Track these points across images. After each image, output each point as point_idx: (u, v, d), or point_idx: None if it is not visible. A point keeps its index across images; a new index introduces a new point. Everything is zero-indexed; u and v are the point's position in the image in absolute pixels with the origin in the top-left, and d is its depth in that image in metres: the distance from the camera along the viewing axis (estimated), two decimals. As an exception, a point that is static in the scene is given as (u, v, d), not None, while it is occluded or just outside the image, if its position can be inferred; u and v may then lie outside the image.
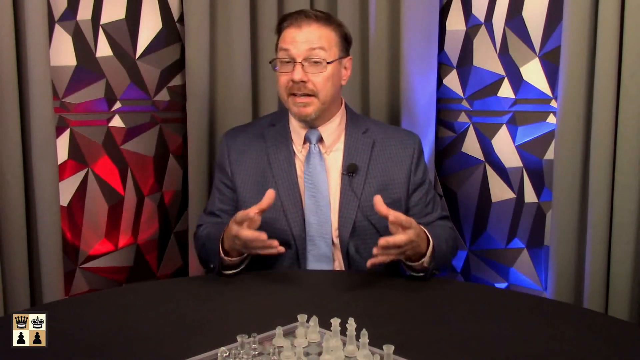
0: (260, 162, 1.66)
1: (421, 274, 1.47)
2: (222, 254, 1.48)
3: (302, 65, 1.58)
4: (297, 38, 1.59)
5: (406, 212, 1.68)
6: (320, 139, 1.67)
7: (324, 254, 1.60)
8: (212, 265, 1.52)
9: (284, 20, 1.65)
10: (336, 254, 1.62)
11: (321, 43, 1.60)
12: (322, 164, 1.65)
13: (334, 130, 1.68)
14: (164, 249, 2.09)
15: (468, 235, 2.12)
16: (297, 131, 1.69)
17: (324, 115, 1.65)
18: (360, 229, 1.60)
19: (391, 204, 1.63)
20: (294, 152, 1.67)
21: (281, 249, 1.38)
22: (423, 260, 1.45)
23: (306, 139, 1.67)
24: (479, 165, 2.07)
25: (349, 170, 1.62)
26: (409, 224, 1.39)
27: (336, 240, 1.61)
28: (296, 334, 1.04)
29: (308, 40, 1.59)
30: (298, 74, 1.57)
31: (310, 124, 1.66)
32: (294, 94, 1.60)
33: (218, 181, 1.72)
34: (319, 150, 1.66)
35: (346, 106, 1.74)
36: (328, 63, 1.60)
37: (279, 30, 1.66)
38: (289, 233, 1.60)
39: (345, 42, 1.68)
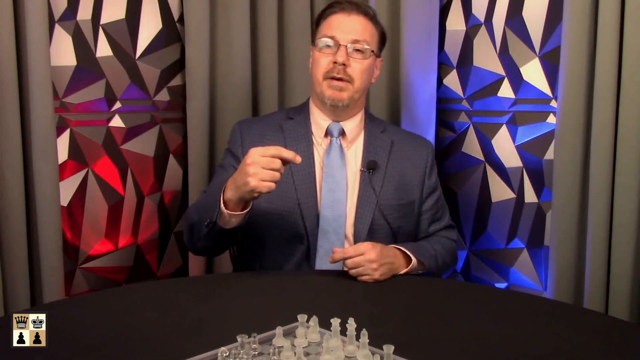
0: None
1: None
2: (222, 206, 1.40)
3: (346, 50, 1.59)
4: (345, 25, 1.61)
5: (418, 216, 1.70)
6: (342, 133, 1.67)
7: (334, 247, 1.58)
8: (207, 221, 1.44)
9: (332, 7, 1.66)
10: (347, 247, 1.59)
11: (366, 35, 1.62)
12: (343, 158, 1.64)
13: (356, 125, 1.69)
14: (164, 249, 2.09)
15: (468, 235, 2.12)
16: (318, 123, 1.68)
17: (350, 109, 1.66)
18: (376, 226, 1.61)
19: (406, 205, 1.66)
20: (314, 143, 1.66)
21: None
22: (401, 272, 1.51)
23: (328, 132, 1.67)
24: (479, 165, 2.07)
25: (369, 167, 1.62)
26: (361, 251, 1.42)
27: (350, 236, 1.61)
28: (296, 334, 1.04)
29: (354, 29, 1.61)
30: (342, 57, 1.58)
31: (336, 116, 1.66)
32: (331, 78, 1.60)
33: (226, 163, 1.67)
34: (340, 144, 1.66)
35: (365, 107, 1.76)
36: (371, 52, 1.62)
37: (323, 17, 1.67)
38: (302, 227, 1.59)
39: (382, 43, 1.71)
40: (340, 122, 1.67)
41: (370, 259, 1.40)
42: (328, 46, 1.61)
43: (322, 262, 1.59)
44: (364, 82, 1.64)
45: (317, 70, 1.63)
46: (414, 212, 1.69)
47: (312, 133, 1.67)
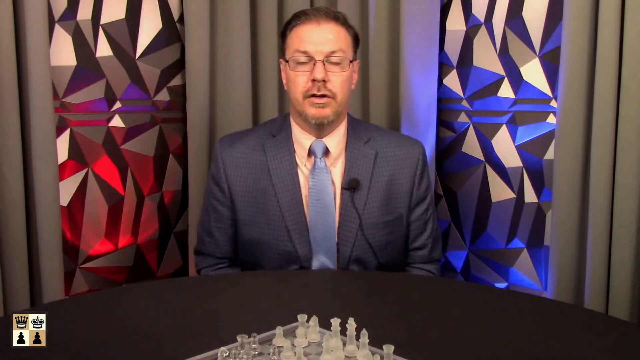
0: (260, 177, 1.59)
1: None
2: None
3: (323, 64, 1.51)
4: (316, 36, 1.52)
5: (407, 227, 1.65)
6: (326, 151, 1.60)
7: (326, 266, 1.59)
8: None
9: (298, 17, 1.57)
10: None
11: (341, 44, 1.54)
12: (329, 179, 1.58)
13: (339, 141, 1.61)
14: (164, 249, 2.09)
15: (468, 235, 2.12)
16: (300, 142, 1.61)
17: (333, 123, 1.59)
18: (358, 249, 1.57)
19: (393, 221, 1.60)
20: (297, 164, 1.60)
21: None
22: None
23: (311, 152, 1.60)
24: (479, 165, 2.07)
25: (350, 186, 1.55)
26: None
27: (336, 257, 1.59)
28: (296, 334, 1.04)
29: (327, 40, 1.52)
30: (320, 73, 1.50)
31: (318, 132, 1.59)
32: (312, 95, 1.52)
33: (212, 199, 1.65)
34: (325, 164, 1.59)
35: (348, 114, 1.69)
36: (350, 62, 1.56)
37: (290, 29, 1.58)
38: (294, 252, 1.57)
39: (356, 45, 1.63)
40: (323, 139, 1.59)
41: None
42: (302, 62, 1.53)
43: None
44: (346, 94, 1.57)
45: (296, 90, 1.55)
46: (402, 225, 1.63)
47: (294, 152, 1.60)
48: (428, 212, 1.69)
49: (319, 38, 1.52)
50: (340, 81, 1.53)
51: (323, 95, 1.52)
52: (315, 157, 1.59)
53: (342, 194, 1.57)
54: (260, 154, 1.61)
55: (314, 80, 1.51)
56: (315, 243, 1.57)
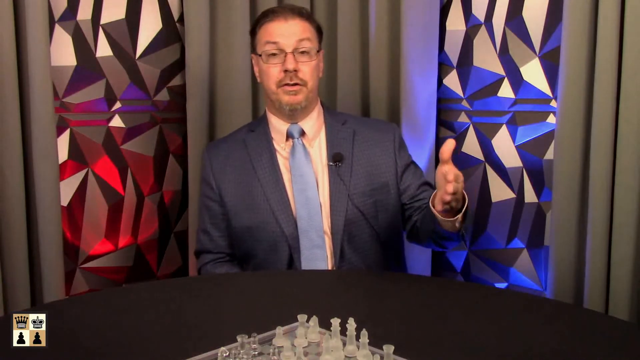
0: (244, 168, 1.70)
1: (449, 236, 1.51)
2: None
3: (293, 55, 1.64)
4: (285, 30, 1.66)
5: (398, 195, 1.72)
6: (302, 133, 1.71)
7: (316, 244, 1.63)
8: None
9: (266, 16, 1.70)
10: (327, 242, 1.64)
11: (306, 35, 1.68)
12: (307, 156, 1.69)
13: (314, 123, 1.73)
14: (164, 249, 2.09)
15: (468, 236, 2.12)
16: (277, 129, 1.72)
17: (306, 109, 1.71)
18: (351, 217, 1.64)
19: (379, 188, 1.69)
20: (276, 150, 1.71)
21: None
22: (458, 216, 1.46)
23: (289, 135, 1.71)
24: (479, 165, 2.07)
25: (335, 159, 1.67)
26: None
27: (328, 230, 1.64)
28: (296, 334, 1.04)
29: (295, 32, 1.66)
30: (291, 64, 1.63)
31: (293, 119, 1.70)
32: (285, 84, 1.65)
33: (204, 197, 1.75)
34: (302, 143, 1.70)
35: (321, 102, 1.80)
36: (317, 52, 1.69)
37: (259, 25, 1.70)
38: (280, 234, 1.62)
39: (320, 36, 1.76)
40: (299, 123, 1.71)
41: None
42: (274, 54, 1.66)
43: (308, 262, 1.62)
44: (315, 80, 1.70)
45: (270, 81, 1.67)
46: (390, 193, 1.70)
47: (272, 139, 1.72)
48: (421, 178, 1.76)
49: (287, 32, 1.66)
50: (309, 70, 1.67)
51: (295, 84, 1.65)
52: (293, 138, 1.71)
53: (329, 169, 1.66)
54: (242, 148, 1.73)
55: (286, 70, 1.64)
56: (302, 221, 1.63)
